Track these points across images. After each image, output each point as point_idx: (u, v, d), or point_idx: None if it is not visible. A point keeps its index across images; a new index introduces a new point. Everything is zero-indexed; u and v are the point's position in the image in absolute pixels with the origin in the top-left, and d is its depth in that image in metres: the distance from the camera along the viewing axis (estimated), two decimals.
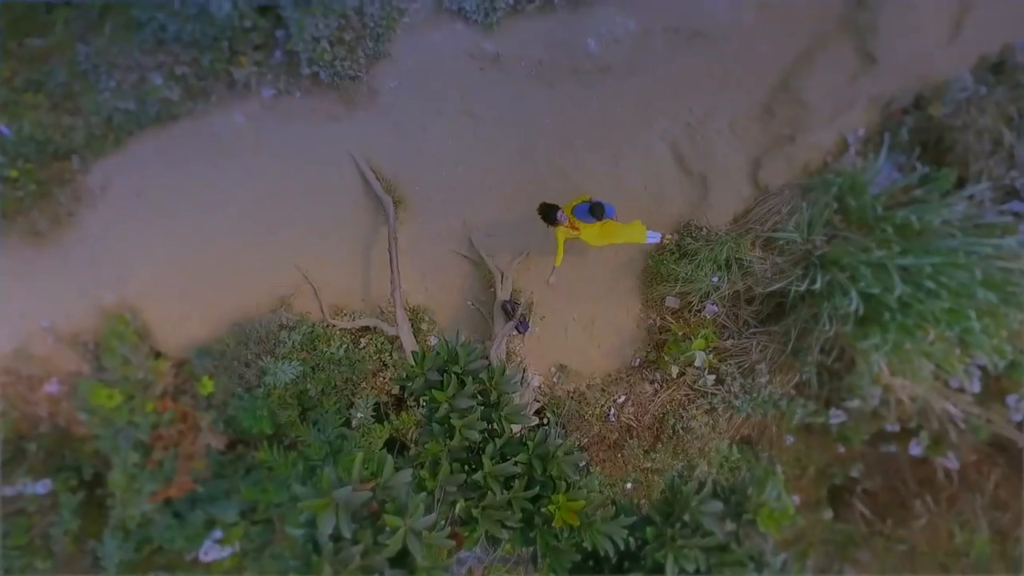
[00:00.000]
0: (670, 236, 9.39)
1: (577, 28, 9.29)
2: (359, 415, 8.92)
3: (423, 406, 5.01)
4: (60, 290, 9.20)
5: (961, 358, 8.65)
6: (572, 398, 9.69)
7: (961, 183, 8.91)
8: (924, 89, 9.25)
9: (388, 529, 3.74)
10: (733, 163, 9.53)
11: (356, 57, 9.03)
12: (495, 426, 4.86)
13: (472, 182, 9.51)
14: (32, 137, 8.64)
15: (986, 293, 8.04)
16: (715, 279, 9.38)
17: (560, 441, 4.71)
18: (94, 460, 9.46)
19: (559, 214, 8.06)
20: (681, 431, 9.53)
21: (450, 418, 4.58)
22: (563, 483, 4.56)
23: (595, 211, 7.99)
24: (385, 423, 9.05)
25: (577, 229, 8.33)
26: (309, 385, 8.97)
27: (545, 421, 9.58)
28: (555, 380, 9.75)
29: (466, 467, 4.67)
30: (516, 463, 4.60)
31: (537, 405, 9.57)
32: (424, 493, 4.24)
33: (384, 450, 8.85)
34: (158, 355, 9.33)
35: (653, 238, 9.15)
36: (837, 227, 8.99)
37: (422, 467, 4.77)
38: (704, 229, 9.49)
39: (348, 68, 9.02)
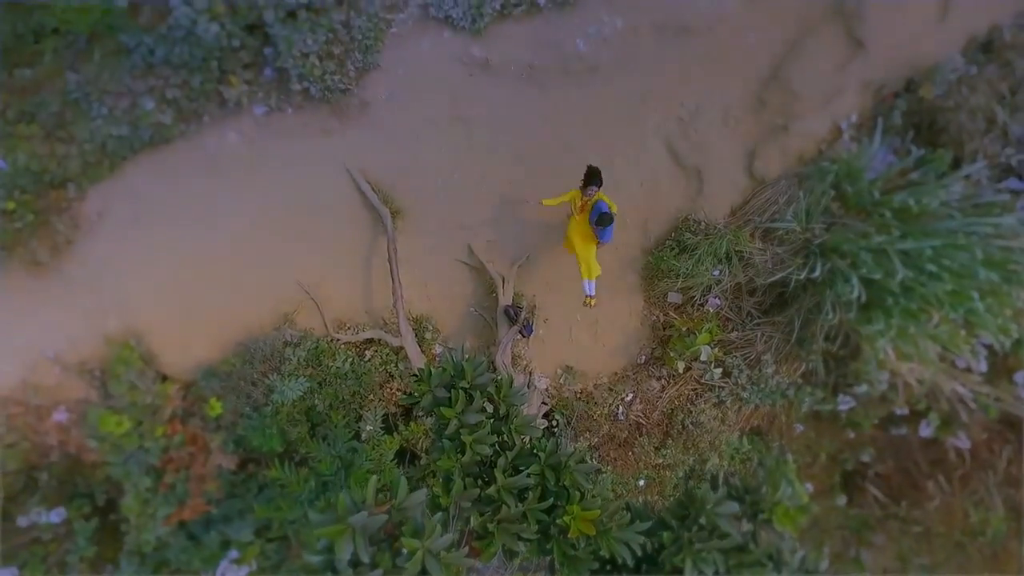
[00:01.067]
0: (595, 302, 9.16)
1: (565, 29, 9.27)
2: (368, 428, 8.93)
3: (431, 415, 5.00)
4: (64, 319, 9.17)
5: (967, 339, 8.66)
6: (580, 399, 9.70)
7: (957, 164, 8.92)
8: (914, 72, 9.26)
9: (406, 551, 3.74)
10: (728, 155, 9.55)
11: (346, 70, 9.02)
12: (505, 438, 4.86)
13: (469, 188, 9.51)
14: (27, 168, 8.62)
15: (988, 273, 8.05)
16: (716, 272, 9.39)
17: (572, 450, 4.71)
18: (106, 486, 9.46)
19: (593, 188, 8.18)
20: (691, 426, 9.55)
21: (460, 434, 4.58)
22: (577, 493, 4.56)
23: (602, 220, 8.14)
24: (395, 434, 9.06)
25: (581, 212, 8.40)
26: (317, 401, 8.98)
27: (554, 424, 9.60)
28: (562, 382, 9.76)
29: (479, 481, 4.67)
30: (529, 475, 4.61)
31: (545, 408, 9.58)
32: (439, 512, 4.24)
33: (396, 462, 8.86)
34: (164, 379, 9.33)
35: (589, 287, 9.00)
36: (835, 214, 9.00)
37: (433, 476, 4.77)
38: (702, 223, 9.51)
39: (338, 82, 9.00)
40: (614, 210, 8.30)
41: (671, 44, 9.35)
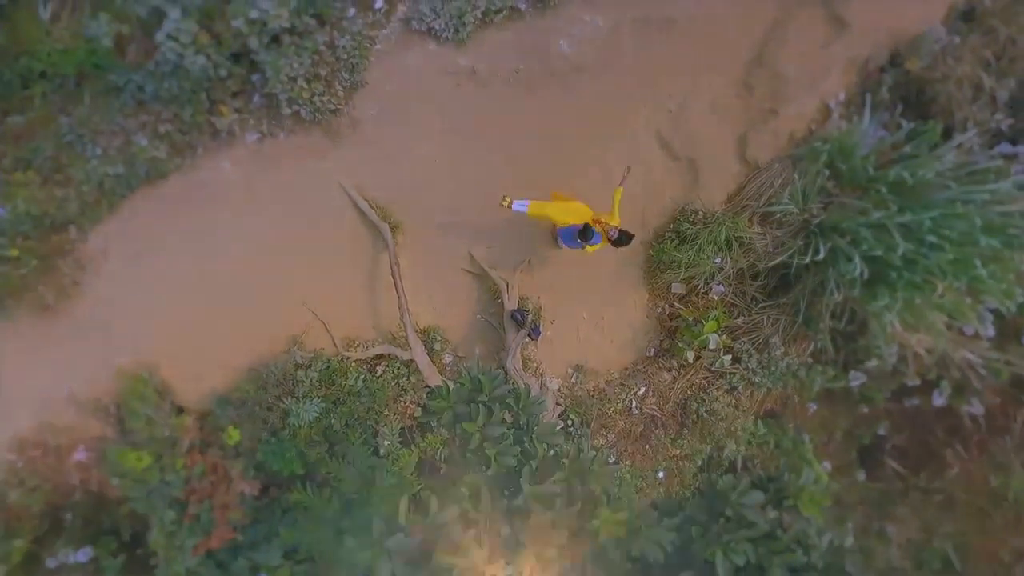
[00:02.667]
0: (508, 203, 8.81)
1: (547, 31, 9.32)
2: (386, 443, 8.97)
3: (454, 428, 5.03)
4: (76, 359, 9.22)
5: (972, 306, 8.70)
6: (593, 396, 9.75)
7: (948, 133, 8.96)
8: (898, 45, 9.29)
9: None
10: (719, 143, 9.60)
11: (334, 90, 9.06)
12: (528, 446, 4.90)
13: (465, 197, 9.54)
14: (28, 214, 8.66)
15: (988, 239, 8.11)
16: (718, 260, 9.45)
17: (594, 453, 4.75)
18: (131, 521, 9.48)
19: (614, 233, 8.28)
20: (705, 414, 9.60)
21: (484, 448, 4.63)
22: (604, 496, 4.60)
23: (583, 233, 8.28)
24: (412, 447, 9.10)
25: (597, 221, 8.45)
26: (333, 420, 9.03)
27: (569, 423, 9.64)
28: (573, 381, 9.80)
29: (505, 492, 4.71)
30: (555, 482, 4.65)
31: (560, 409, 9.63)
32: (472, 528, 4.29)
33: (415, 473, 8.89)
34: (180, 411, 9.37)
35: (521, 205, 8.79)
36: (832, 193, 9.06)
37: (454, 485, 4.81)
38: (700, 212, 9.54)
39: (328, 102, 9.04)
40: (588, 250, 8.51)
41: (654, 38, 9.39)
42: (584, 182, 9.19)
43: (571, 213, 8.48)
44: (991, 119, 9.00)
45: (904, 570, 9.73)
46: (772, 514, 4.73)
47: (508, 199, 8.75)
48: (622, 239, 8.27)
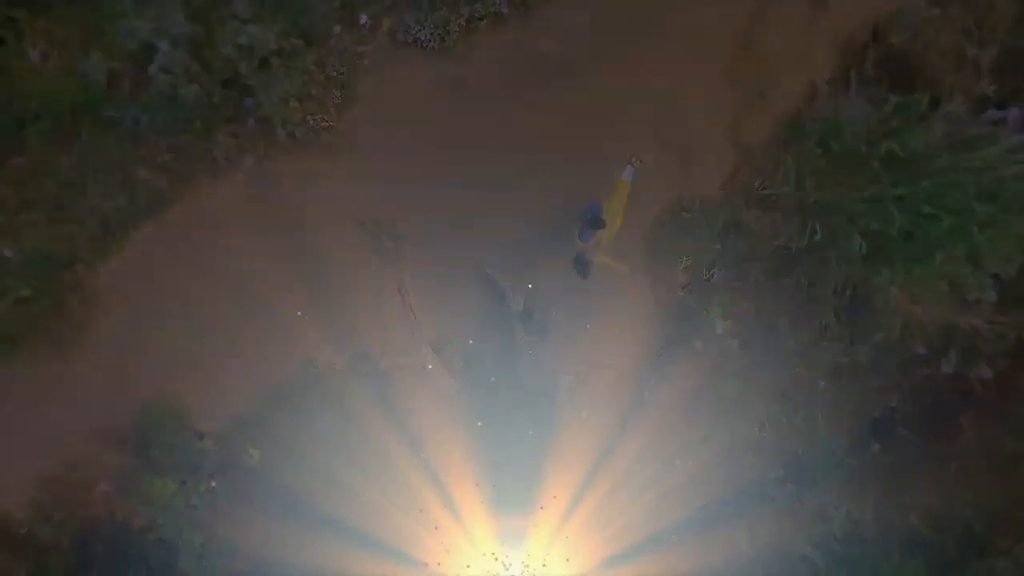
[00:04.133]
0: (638, 161, 9.11)
1: (533, 34, 9.43)
2: None
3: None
4: (93, 392, 9.30)
5: (973, 273, 8.74)
6: (607, 390, 9.81)
7: (935, 104, 8.98)
8: (879, 20, 9.33)
9: None
10: (711, 130, 9.65)
11: (326, 109, 9.19)
12: None
13: (464, 204, 9.63)
14: (36, 253, 8.79)
15: (983, 206, 8.15)
16: (718, 246, 9.53)
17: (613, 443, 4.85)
18: (159, 548, 9.55)
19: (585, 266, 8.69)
20: (717, 400, 9.65)
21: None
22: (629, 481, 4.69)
23: (592, 222, 8.47)
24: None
25: (598, 245, 8.73)
26: (351, 434, 9.13)
27: (584, 419, 9.71)
28: (587, 379, 9.86)
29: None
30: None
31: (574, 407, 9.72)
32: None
33: None
34: (200, 435, 9.48)
35: (628, 174, 9.08)
36: (825, 172, 9.09)
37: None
38: (697, 200, 9.63)
39: (321, 121, 9.17)
40: (577, 237, 8.68)
41: (639, 31, 9.48)
42: (579, 178, 9.27)
43: (616, 215, 8.81)
44: (976, 86, 9.04)
45: (925, 537, 9.71)
46: (791, 487, 4.81)
47: (639, 162, 9.01)
48: (583, 269, 8.73)
